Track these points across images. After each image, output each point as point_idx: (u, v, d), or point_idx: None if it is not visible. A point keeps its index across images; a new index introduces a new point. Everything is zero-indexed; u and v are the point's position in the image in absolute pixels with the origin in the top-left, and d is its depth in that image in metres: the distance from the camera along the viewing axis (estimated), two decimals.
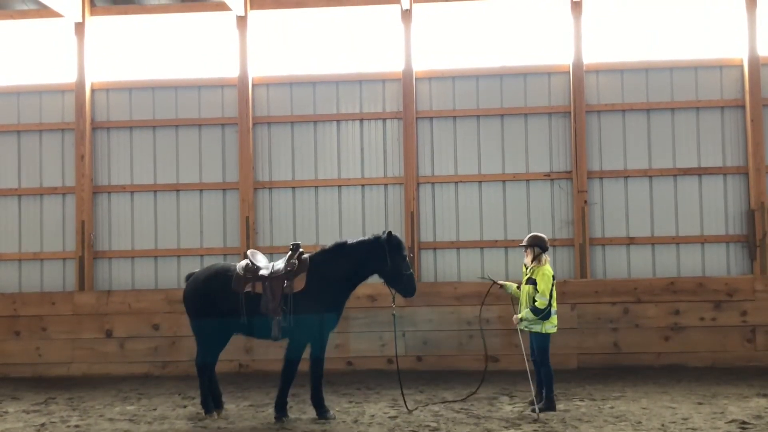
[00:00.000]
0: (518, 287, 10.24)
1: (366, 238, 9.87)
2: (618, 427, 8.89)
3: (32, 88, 14.54)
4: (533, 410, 9.76)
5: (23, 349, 13.69)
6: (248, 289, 9.62)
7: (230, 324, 9.79)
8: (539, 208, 13.87)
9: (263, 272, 9.67)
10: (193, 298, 10.03)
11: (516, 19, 14.19)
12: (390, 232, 9.66)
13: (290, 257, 9.70)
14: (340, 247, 9.81)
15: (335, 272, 9.62)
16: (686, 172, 13.76)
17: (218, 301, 9.76)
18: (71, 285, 14.11)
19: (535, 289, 9.77)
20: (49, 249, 14.32)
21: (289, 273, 9.59)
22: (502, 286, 10.34)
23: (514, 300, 10.37)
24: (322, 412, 9.62)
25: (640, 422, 9.14)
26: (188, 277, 10.40)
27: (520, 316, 9.87)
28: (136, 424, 9.57)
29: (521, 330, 10.08)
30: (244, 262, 9.87)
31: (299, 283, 9.55)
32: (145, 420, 9.80)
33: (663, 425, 8.96)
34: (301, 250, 9.79)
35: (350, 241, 9.88)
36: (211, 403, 9.97)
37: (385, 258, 9.57)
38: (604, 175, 13.83)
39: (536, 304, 9.69)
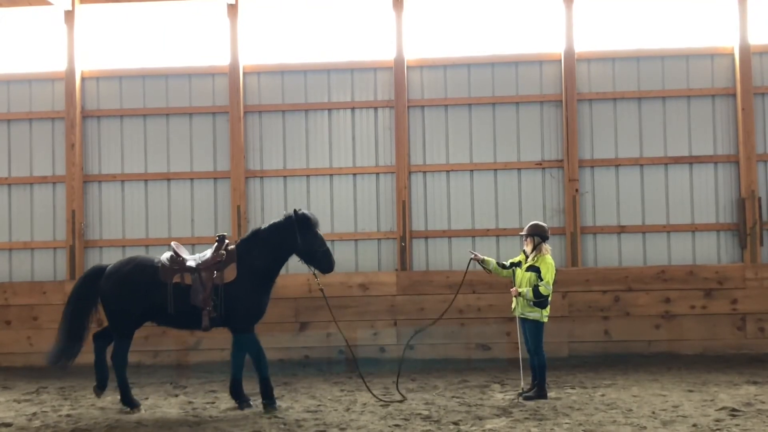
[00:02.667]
0: (502, 266, 10.26)
1: (276, 220, 9.84)
2: (609, 415, 8.93)
3: (22, 77, 14.45)
4: (523, 398, 9.80)
5: (14, 339, 13.65)
6: (177, 280, 9.54)
7: (155, 316, 9.74)
8: (531, 197, 13.88)
9: (191, 263, 9.63)
10: (118, 292, 9.72)
11: (508, 7, 14.16)
12: (297, 210, 9.65)
13: (217, 248, 9.69)
14: (256, 234, 9.80)
15: (260, 259, 9.62)
16: (677, 160, 13.78)
17: (145, 293, 9.60)
18: (62, 274, 14.07)
19: (539, 277, 9.79)
20: (40, 238, 14.27)
21: (219, 264, 9.58)
22: (482, 260, 10.30)
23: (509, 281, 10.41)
24: (269, 402, 9.56)
25: (630, 410, 9.18)
26: (96, 270, 10.13)
27: (521, 290, 9.86)
28: (128, 413, 9.56)
29: (517, 317, 10.11)
30: (168, 254, 9.80)
31: (230, 273, 9.54)
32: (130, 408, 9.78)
33: (653, 413, 9.00)
34: (227, 241, 9.80)
35: (263, 226, 9.86)
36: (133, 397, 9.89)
37: (296, 236, 9.54)
38: (595, 163, 13.84)
39: (540, 289, 9.71)
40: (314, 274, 9.89)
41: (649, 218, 13.79)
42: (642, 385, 10.79)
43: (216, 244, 9.76)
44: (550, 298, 9.94)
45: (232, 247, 9.77)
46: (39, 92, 14.45)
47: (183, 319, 9.62)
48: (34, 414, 9.58)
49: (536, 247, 9.97)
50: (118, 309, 9.70)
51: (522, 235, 10.23)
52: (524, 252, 10.15)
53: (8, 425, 8.97)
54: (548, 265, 9.85)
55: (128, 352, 9.84)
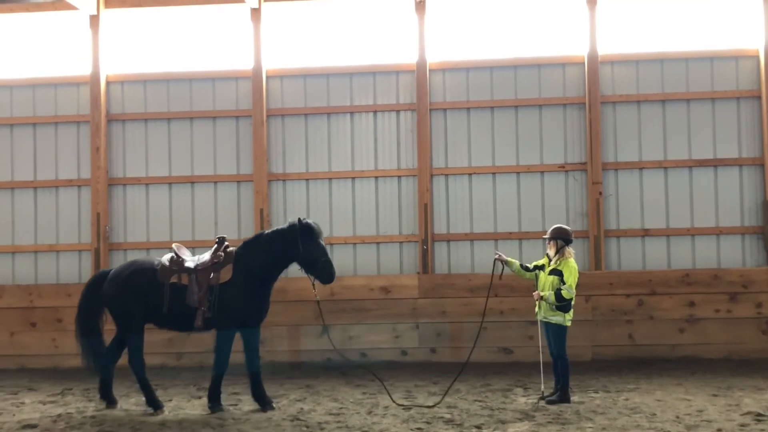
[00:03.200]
0: (525, 268, 10.22)
1: (280, 226, 9.91)
2: (632, 419, 8.87)
3: (48, 81, 14.60)
4: (547, 402, 9.77)
5: (39, 341, 13.78)
6: (174, 280, 9.66)
7: (154, 317, 9.84)
8: (554, 200, 13.84)
9: (188, 264, 9.75)
10: (119, 295, 9.87)
11: (530, 9, 14.13)
12: (301, 219, 9.68)
13: (216, 250, 9.79)
14: (258, 238, 9.91)
15: (258, 263, 9.68)
16: (702, 163, 13.69)
17: (144, 295, 9.74)
18: (87, 276, 14.12)
19: (561, 281, 9.75)
20: (65, 241, 14.41)
21: (215, 264, 9.67)
22: (506, 261, 10.27)
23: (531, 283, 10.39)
24: (263, 404, 9.67)
25: (654, 414, 9.12)
26: (100, 275, 10.32)
27: (543, 294, 9.81)
28: (152, 415, 9.62)
29: (540, 320, 10.08)
30: (169, 255, 9.93)
31: (226, 274, 9.61)
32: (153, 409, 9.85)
33: (677, 417, 8.94)
34: (226, 243, 9.89)
35: (266, 231, 10.00)
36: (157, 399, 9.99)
37: (297, 245, 9.55)
38: (619, 166, 13.78)
39: (562, 293, 9.67)
40: (313, 284, 9.82)
41: (673, 221, 13.70)
42: (666, 389, 10.72)
43: (215, 245, 9.87)
44: (573, 302, 9.88)
45: (232, 249, 9.87)
46: (64, 96, 14.59)
47: (179, 319, 9.72)
48: (59, 415, 9.66)
49: (559, 251, 9.93)
50: (122, 311, 9.87)
51: (545, 239, 10.18)
52: (547, 255, 10.11)
53: (34, 426, 9.05)
54: (571, 268, 9.80)
55: (143, 352, 9.93)
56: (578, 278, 9.91)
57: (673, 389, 10.69)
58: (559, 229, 10.07)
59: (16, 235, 14.49)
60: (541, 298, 9.83)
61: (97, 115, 14.27)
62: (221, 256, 9.74)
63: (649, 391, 10.56)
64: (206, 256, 9.87)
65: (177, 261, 9.81)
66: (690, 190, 13.71)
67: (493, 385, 11.24)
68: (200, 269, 9.67)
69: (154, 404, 9.81)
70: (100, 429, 8.88)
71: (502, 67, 14.03)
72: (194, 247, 13.88)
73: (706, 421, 8.74)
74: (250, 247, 9.86)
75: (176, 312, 9.63)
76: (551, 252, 10.01)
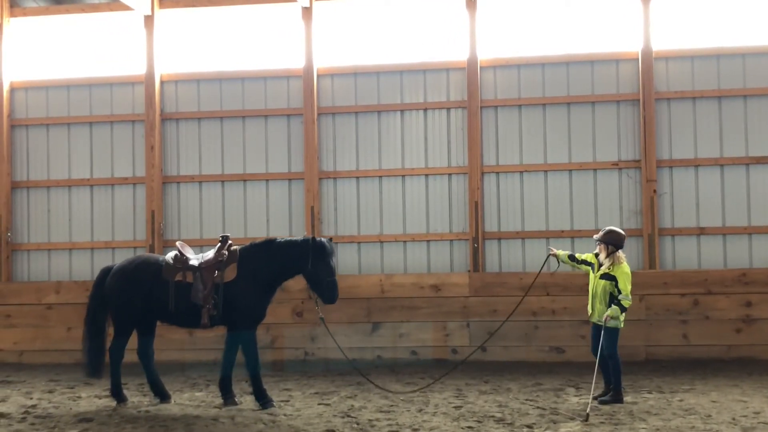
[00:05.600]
0: (572, 258, 10.19)
1: (295, 238, 9.98)
2: (687, 421, 8.73)
3: (103, 81, 14.87)
4: (599, 402, 9.67)
5: None
6: (179, 278, 9.72)
7: (156, 313, 9.93)
8: (607, 198, 13.68)
9: (193, 262, 9.81)
10: (121, 288, 9.98)
11: (583, 6, 13.98)
12: (315, 237, 9.73)
13: (220, 248, 9.83)
14: (269, 244, 9.92)
15: (263, 267, 9.73)
16: (759, 160, 13.42)
17: (148, 290, 9.83)
18: None
19: (615, 286, 9.67)
20: (120, 238, 14.66)
21: (220, 263, 9.72)
22: (555, 255, 10.26)
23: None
24: (263, 402, 9.69)
25: (709, 416, 8.97)
26: (104, 271, 10.42)
27: (608, 313, 9.61)
28: (204, 410, 9.74)
29: (594, 323, 9.97)
30: (173, 253, 10.00)
31: (230, 273, 9.68)
32: (213, 405, 9.97)
33: (734, 419, 8.78)
34: (230, 242, 9.94)
35: (279, 239, 9.99)
36: (122, 393, 10.14)
37: (308, 261, 9.55)
38: (673, 164, 13.57)
39: (623, 303, 9.62)
40: (316, 302, 9.85)
41: (729, 220, 13.45)
42: (721, 390, 10.53)
43: (219, 244, 9.93)
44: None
45: (235, 248, 9.93)
46: (120, 95, 14.84)
47: (184, 316, 9.82)
48: (114, 410, 9.83)
49: (610, 255, 9.80)
50: (122, 304, 9.97)
51: (596, 240, 10.05)
52: (596, 255, 10.00)
53: (90, 420, 9.22)
54: (626, 275, 9.68)
55: (125, 348, 10.12)
56: (631, 280, 9.81)
57: (729, 390, 10.50)
58: (611, 233, 9.90)
59: (73, 232, 14.79)
60: (610, 317, 9.61)
61: (152, 114, 14.49)
62: (225, 254, 9.80)
63: (704, 392, 10.38)
64: (210, 254, 9.92)
65: (181, 259, 9.87)
66: (747, 187, 13.45)
67: (545, 384, 11.15)
68: (204, 267, 9.74)
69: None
70: (154, 423, 9.01)
71: (554, 63, 13.91)
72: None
73: (763, 423, 8.57)
74: (258, 250, 9.89)
75: (182, 309, 9.73)
76: (602, 255, 9.88)
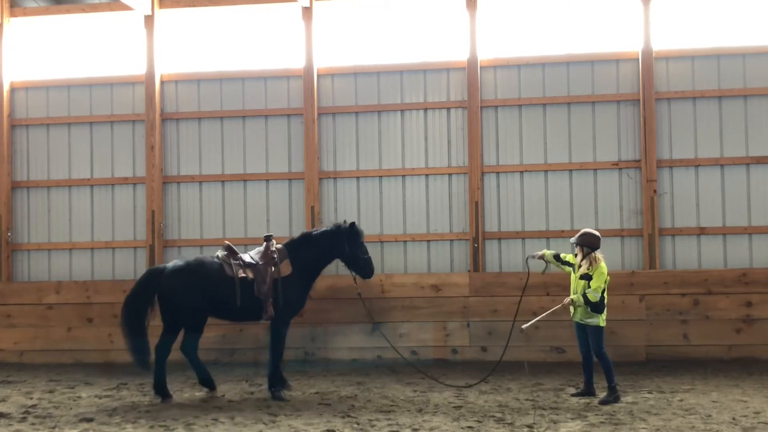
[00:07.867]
0: (557, 257, 10.37)
1: (328, 228, 10.91)
2: (687, 420, 8.74)
3: (104, 81, 14.86)
4: (599, 402, 9.68)
5: (96, 336, 14.03)
6: (242, 275, 10.33)
7: (220, 310, 10.47)
8: (607, 198, 13.68)
9: (250, 260, 10.49)
10: (185, 289, 10.30)
11: (583, 6, 13.97)
12: (348, 222, 10.77)
13: (268, 247, 10.59)
14: (308, 237, 10.88)
15: (311, 258, 10.69)
16: (759, 160, 13.41)
17: (213, 288, 10.31)
18: (141, 273, 14.35)
19: (589, 285, 9.87)
20: (121, 238, 14.66)
21: (274, 260, 10.49)
22: (542, 256, 10.49)
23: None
24: (276, 390, 10.36)
25: (710, 415, 8.97)
26: (155, 271, 10.71)
27: (572, 297, 10.03)
28: (205, 410, 9.74)
29: (576, 323, 10.19)
30: (222, 252, 10.61)
31: (285, 268, 10.52)
32: (214, 405, 9.97)
33: (734, 419, 8.78)
34: (273, 240, 10.74)
35: (314, 232, 10.98)
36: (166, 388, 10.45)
37: (344, 245, 10.62)
38: (674, 164, 13.56)
39: (588, 296, 9.83)
40: (354, 279, 10.88)
41: (729, 220, 13.45)
42: (722, 390, 10.53)
43: (265, 243, 10.66)
44: (606, 302, 10.00)
45: (279, 245, 10.70)
46: (120, 95, 14.83)
47: (247, 311, 10.42)
48: (115, 410, 9.83)
49: (586, 257, 9.98)
50: (184, 304, 10.33)
51: (572, 243, 10.19)
52: (576, 255, 10.21)
53: (90, 420, 9.23)
54: (601, 274, 9.91)
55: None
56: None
57: (730, 390, 10.50)
58: (585, 235, 10.15)
59: (73, 232, 14.78)
60: (573, 303, 10.00)
61: (152, 114, 14.49)
62: (275, 251, 10.52)
63: (704, 392, 10.38)
64: (258, 252, 10.59)
65: (238, 257, 10.51)
66: (747, 187, 13.45)
67: (545, 384, 11.16)
68: (263, 264, 10.40)
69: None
70: (154, 424, 9.01)
71: (555, 63, 13.91)
72: (246, 244, 14.05)
73: (763, 423, 8.57)
74: (299, 244, 10.82)
75: (246, 305, 10.31)
76: (579, 257, 10.10)
